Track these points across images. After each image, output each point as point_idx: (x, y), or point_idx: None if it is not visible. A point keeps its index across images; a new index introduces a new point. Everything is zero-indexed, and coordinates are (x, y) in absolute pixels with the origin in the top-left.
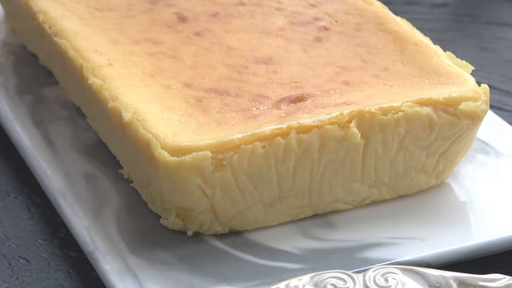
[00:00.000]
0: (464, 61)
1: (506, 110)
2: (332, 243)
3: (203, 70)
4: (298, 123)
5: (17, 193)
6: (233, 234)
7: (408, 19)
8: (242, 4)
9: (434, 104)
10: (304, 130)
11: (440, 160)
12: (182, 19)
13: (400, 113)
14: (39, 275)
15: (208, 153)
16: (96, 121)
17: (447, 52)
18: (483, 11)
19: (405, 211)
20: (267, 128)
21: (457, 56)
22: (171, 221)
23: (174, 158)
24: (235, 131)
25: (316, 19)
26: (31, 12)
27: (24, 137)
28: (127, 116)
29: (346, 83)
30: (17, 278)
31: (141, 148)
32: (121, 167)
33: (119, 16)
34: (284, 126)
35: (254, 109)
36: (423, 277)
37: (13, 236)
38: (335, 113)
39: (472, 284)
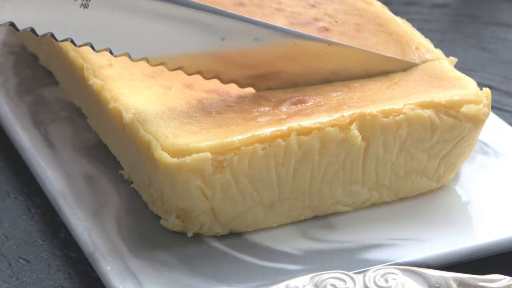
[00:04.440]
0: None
1: (506, 111)
2: (332, 244)
3: None
4: (299, 125)
5: (17, 193)
6: (233, 235)
7: (408, 20)
8: (242, 4)
9: (435, 106)
10: (305, 132)
11: (441, 163)
12: None
13: (402, 116)
14: (39, 275)
15: (209, 154)
16: (97, 122)
17: (450, 58)
18: (483, 11)
19: (404, 212)
20: (268, 129)
21: (457, 57)
22: (171, 222)
23: (175, 160)
24: (235, 132)
25: (316, 19)
26: None
27: (24, 137)
28: (127, 117)
29: (347, 85)
30: (17, 279)
31: (142, 149)
32: (122, 168)
33: None
34: (284, 128)
35: (254, 110)
36: (423, 277)
37: (13, 237)
38: (336, 115)
39: (472, 285)
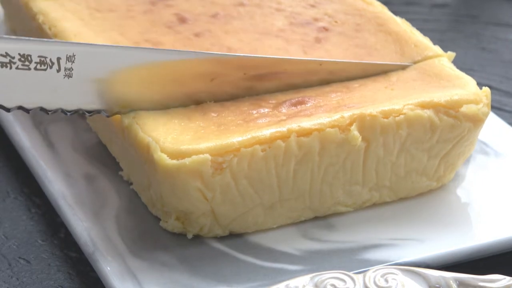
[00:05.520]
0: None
1: (506, 111)
2: (332, 244)
3: None
4: (299, 126)
5: (17, 193)
6: (233, 236)
7: (408, 20)
8: (241, 4)
9: (435, 106)
10: (305, 133)
11: (441, 163)
12: (182, 20)
13: (402, 116)
14: (39, 275)
15: (208, 156)
16: (96, 123)
17: (448, 52)
18: (483, 11)
19: (404, 213)
20: (267, 131)
21: (457, 57)
22: (171, 224)
23: (174, 161)
24: (235, 134)
25: (316, 19)
26: (31, 13)
27: (25, 138)
28: (126, 119)
29: (346, 86)
30: (17, 279)
31: (141, 152)
32: (122, 169)
33: (119, 17)
34: (284, 129)
35: (254, 112)
36: (423, 277)
37: (13, 237)
38: (335, 116)
39: (472, 285)
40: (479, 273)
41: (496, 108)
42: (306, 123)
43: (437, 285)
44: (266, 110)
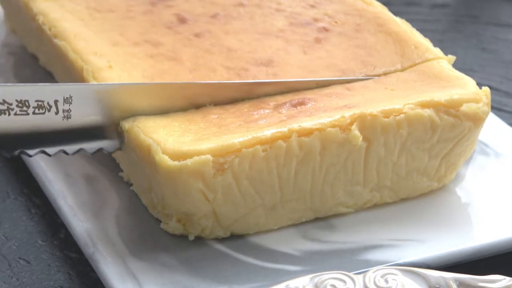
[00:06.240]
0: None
1: (506, 111)
2: (332, 245)
3: (203, 73)
4: (299, 126)
5: (17, 194)
6: (234, 237)
7: (408, 20)
8: (241, 5)
9: (435, 106)
10: (305, 133)
11: (442, 163)
12: (182, 20)
13: (402, 115)
14: (39, 276)
15: (209, 157)
16: None
17: (449, 56)
18: (483, 11)
19: (405, 213)
20: (268, 131)
21: (457, 57)
22: (172, 226)
23: (175, 163)
24: (236, 134)
25: (316, 20)
26: (31, 13)
27: None
28: (127, 123)
29: (346, 87)
30: (17, 279)
31: (142, 155)
32: (122, 170)
33: (119, 17)
34: (285, 129)
35: (254, 113)
36: (423, 278)
37: (13, 237)
38: (336, 115)
39: (472, 285)
40: (479, 273)
41: (496, 108)
42: (307, 123)
43: (437, 286)
44: (267, 111)
